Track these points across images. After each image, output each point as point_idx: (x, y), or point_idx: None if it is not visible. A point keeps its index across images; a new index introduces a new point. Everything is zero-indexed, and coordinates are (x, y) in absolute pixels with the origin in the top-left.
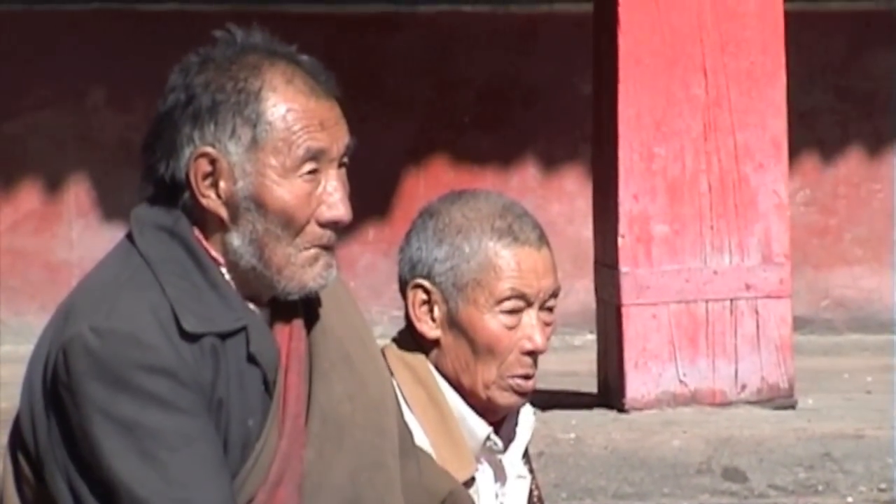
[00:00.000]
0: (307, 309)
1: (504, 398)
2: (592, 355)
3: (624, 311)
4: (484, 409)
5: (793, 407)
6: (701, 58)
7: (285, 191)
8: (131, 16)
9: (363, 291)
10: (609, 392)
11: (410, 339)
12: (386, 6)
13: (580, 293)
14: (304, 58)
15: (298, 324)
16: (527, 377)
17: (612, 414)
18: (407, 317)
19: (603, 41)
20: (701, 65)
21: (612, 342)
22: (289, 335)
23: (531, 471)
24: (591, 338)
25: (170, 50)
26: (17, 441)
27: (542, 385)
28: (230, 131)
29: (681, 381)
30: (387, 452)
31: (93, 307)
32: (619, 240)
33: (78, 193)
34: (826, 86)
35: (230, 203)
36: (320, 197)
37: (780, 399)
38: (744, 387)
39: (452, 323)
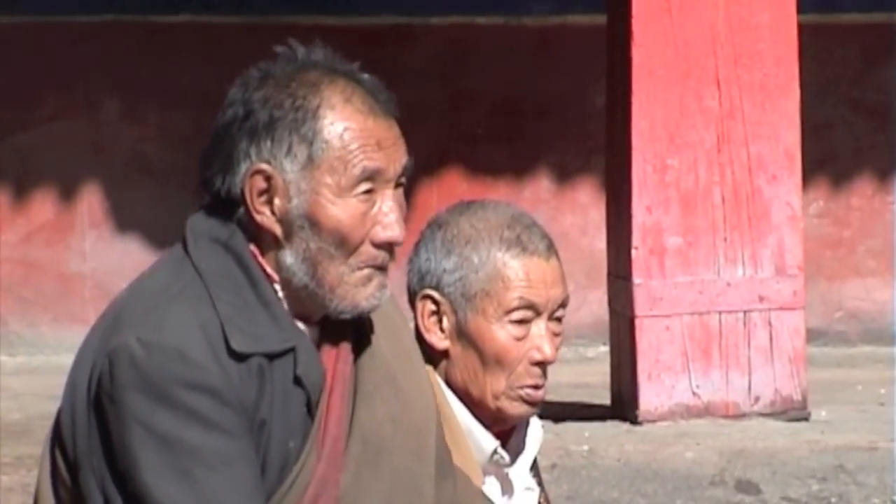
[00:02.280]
0: (356, 329)
1: (514, 408)
2: (605, 367)
3: (637, 322)
4: (493, 419)
5: (806, 419)
6: (714, 70)
7: (340, 210)
8: (145, 27)
9: None
10: (622, 404)
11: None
12: (399, 18)
13: (593, 305)
14: (365, 76)
15: (346, 345)
16: (536, 387)
17: (626, 426)
18: (416, 328)
19: (616, 53)
20: (714, 77)
21: (625, 354)
22: (335, 356)
23: (540, 483)
24: (605, 349)
25: (183, 62)
26: (56, 439)
27: (554, 397)
28: (286, 148)
29: (694, 393)
30: (424, 477)
31: (142, 318)
32: (633, 251)
33: (91, 204)
34: (839, 98)
35: (284, 220)
36: (375, 217)
37: (794, 411)
38: (757, 399)
39: (461, 333)
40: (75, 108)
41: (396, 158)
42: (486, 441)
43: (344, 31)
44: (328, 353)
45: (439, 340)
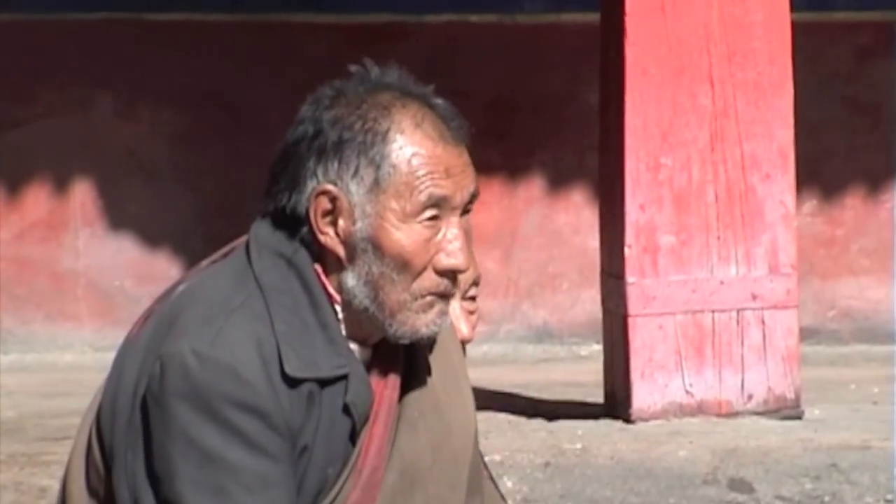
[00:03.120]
0: (408, 353)
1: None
2: (599, 365)
3: (630, 321)
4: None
5: (799, 417)
6: (708, 68)
7: (404, 235)
8: (138, 25)
9: None
10: (615, 402)
11: None
12: (392, 16)
13: (587, 303)
14: (439, 101)
15: (396, 372)
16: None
17: (619, 424)
18: None
19: (610, 51)
20: (708, 75)
21: (618, 352)
22: (385, 383)
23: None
24: (598, 348)
25: (177, 59)
26: (95, 426)
27: (547, 395)
28: (353, 171)
29: (687, 392)
30: None
31: (199, 327)
32: (626, 250)
33: (84, 202)
34: (833, 96)
35: (348, 242)
36: (439, 244)
37: (787, 410)
38: (750, 397)
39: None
40: (69, 106)
41: (464, 186)
42: None
43: (337, 29)
44: (378, 378)
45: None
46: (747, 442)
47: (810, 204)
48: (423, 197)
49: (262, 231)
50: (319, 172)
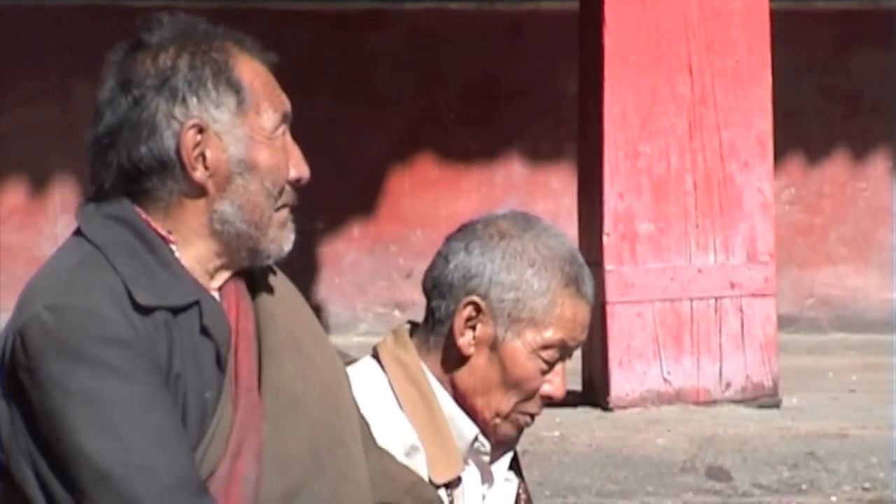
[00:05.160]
0: (254, 295)
1: (506, 430)
2: (577, 353)
3: (609, 309)
4: (480, 431)
5: (777, 406)
6: (687, 56)
7: (272, 152)
8: (117, 12)
9: (348, 288)
10: (593, 390)
11: (408, 339)
12: (372, 3)
13: None
14: (231, 31)
15: (245, 304)
16: (534, 417)
17: (597, 412)
18: (429, 316)
19: (589, 39)
20: (686, 63)
21: (596, 340)
22: (236, 315)
23: (519, 474)
24: None
25: None
26: None
27: None
28: (214, 101)
29: (665, 380)
30: (345, 430)
31: (46, 289)
32: (604, 238)
33: (63, 189)
34: (812, 85)
35: (219, 172)
36: (289, 156)
37: (765, 398)
38: (728, 385)
39: (493, 348)
40: (47, 93)
41: (286, 100)
42: (468, 428)
43: (316, 16)
44: (229, 312)
45: (468, 345)
46: (725, 430)
47: (788, 192)
48: (277, 114)
49: (85, 206)
50: (178, 113)
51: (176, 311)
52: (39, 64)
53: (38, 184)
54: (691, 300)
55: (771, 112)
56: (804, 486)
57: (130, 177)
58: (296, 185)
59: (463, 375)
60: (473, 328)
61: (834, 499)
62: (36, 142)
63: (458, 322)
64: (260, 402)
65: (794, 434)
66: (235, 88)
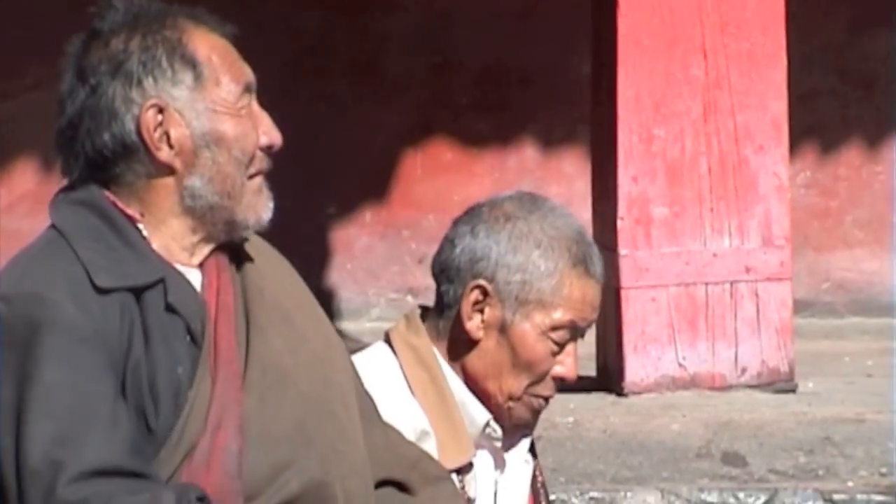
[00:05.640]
0: (241, 271)
1: (521, 413)
2: (591, 338)
3: (623, 293)
4: (493, 414)
5: (793, 391)
6: (701, 39)
7: (235, 122)
8: None
9: (360, 274)
10: (608, 376)
11: (419, 323)
12: None
13: None
14: (186, 8)
15: (226, 278)
16: (548, 399)
17: (611, 398)
18: (438, 301)
19: (602, 22)
20: (701, 46)
21: (610, 325)
22: (216, 290)
23: (535, 456)
24: None
25: None
26: None
27: None
28: (170, 79)
29: (680, 365)
30: (335, 403)
31: (3, 280)
32: (619, 222)
33: None
34: (827, 67)
35: (184, 148)
36: (256, 124)
37: (781, 383)
38: (744, 370)
39: (502, 331)
40: (56, 79)
41: (248, 70)
42: (480, 414)
43: (327, 0)
44: (209, 286)
45: (476, 329)
46: (741, 415)
47: (804, 175)
48: (239, 85)
49: (56, 197)
50: (136, 95)
51: (140, 290)
52: (49, 49)
53: (48, 170)
54: (706, 285)
55: (786, 95)
56: (821, 472)
57: (97, 165)
58: (268, 151)
59: (473, 360)
60: (482, 311)
61: (851, 484)
62: (45, 128)
63: (466, 306)
64: (240, 374)
65: (811, 419)
66: (191, 64)
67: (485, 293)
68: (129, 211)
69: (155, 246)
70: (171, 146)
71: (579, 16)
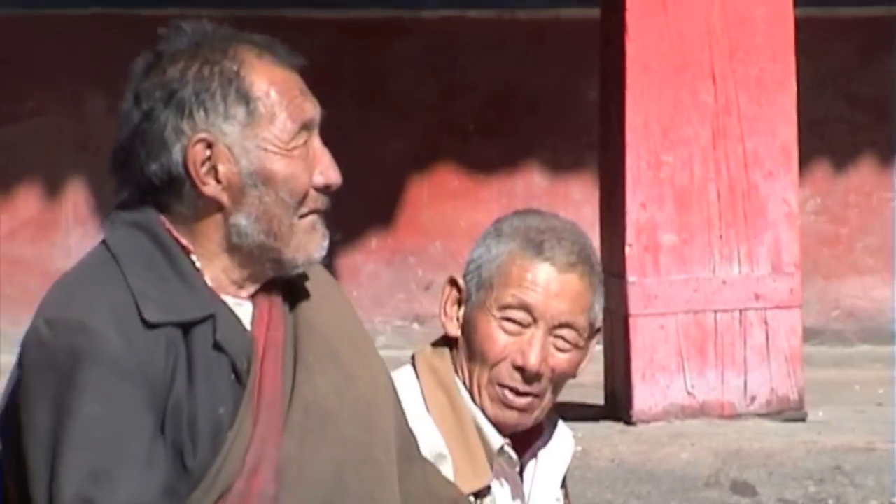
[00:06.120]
0: (295, 303)
1: (495, 410)
2: (599, 366)
3: (631, 321)
4: (493, 422)
5: (803, 419)
6: (710, 64)
7: (287, 161)
8: (131, 20)
9: (366, 301)
10: (616, 404)
11: (445, 347)
12: (390, 11)
13: None
14: (258, 36)
15: (277, 314)
16: (516, 392)
17: (619, 426)
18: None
19: (610, 47)
20: (710, 71)
21: (619, 353)
22: (266, 325)
23: (566, 495)
24: (598, 348)
25: None
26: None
27: None
28: (223, 113)
29: (689, 393)
30: (377, 448)
31: (52, 302)
32: (627, 249)
33: (76, 201)
34: (836, 93)
35: (232, 185)
36: (313, 164)
37: (790, 411)
38: (753, 399)
39: (466, 322)
40: (61, 103)
41: (316, 104)
42: (495, 438)
43: (333, 24)
44: (259, 321)
45: (454, 328)
46: (750, 444)
47: (814, 202)
48: (295, 123)
49: (113, 214)
50: (186, 127)
51: (189, 325)
52: (52, 73)
53: (52, 195)
54: (715, 312)
55: (795, 121)
56: (830, 501)
57: (148, 191)
58: (325, 191)
59: (459, 364)
60: (459, 310)
61: None
62: (49, 153)
63: (446, 305)
64: (282, 415)
65: (821, 448)
66: (245, 99)
67: (459, 290)
68: (184, 241)
69: (207, 278)
70: (218, 181)
71: (587, 41)
